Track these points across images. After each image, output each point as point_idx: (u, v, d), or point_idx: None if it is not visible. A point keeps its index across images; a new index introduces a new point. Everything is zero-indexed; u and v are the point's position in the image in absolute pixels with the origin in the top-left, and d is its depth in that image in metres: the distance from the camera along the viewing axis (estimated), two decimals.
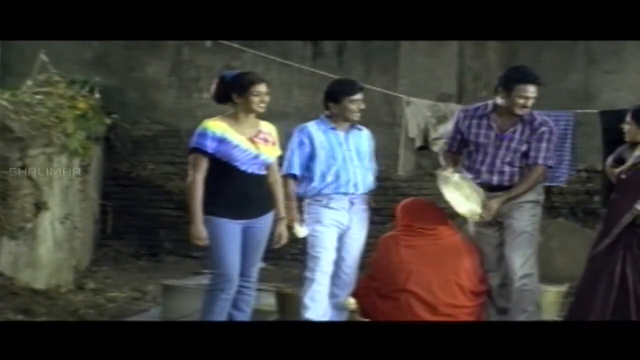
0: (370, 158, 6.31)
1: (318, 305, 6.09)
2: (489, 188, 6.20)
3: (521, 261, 6.18)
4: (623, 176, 6.08)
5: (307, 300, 6.10)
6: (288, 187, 6.11)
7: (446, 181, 6.20)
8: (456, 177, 6.20)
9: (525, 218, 6.24)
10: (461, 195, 6.16)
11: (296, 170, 6.13)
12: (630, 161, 6.08)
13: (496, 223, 6.29)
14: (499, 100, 6.25)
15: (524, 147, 6.21)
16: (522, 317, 6.16)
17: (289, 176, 6.13)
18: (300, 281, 6.25)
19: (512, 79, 6.18)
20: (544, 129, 6.22)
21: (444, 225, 6.45)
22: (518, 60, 8.66)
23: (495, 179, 6.23)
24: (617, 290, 5.89)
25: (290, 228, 6.05)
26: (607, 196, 6.42)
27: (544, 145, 6.21)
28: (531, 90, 6.15)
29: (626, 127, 6.15)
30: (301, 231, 6.10)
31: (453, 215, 6.45)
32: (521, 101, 6.14)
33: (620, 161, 6.19)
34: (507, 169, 6.23)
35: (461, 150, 6.40)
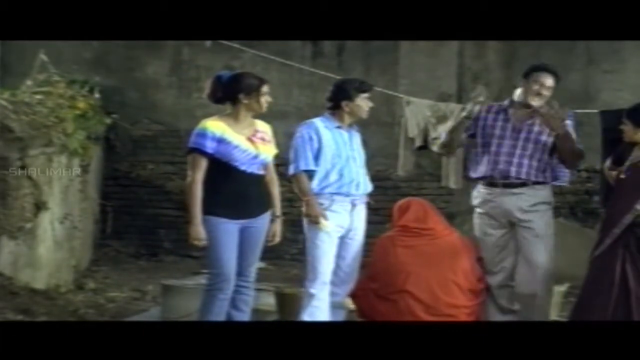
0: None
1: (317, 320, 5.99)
2: (507, 180, 6.20)
3: (543, 263, 6.23)
4: (622, 176, 6.07)
5: (306, 317, 6.00)
6: (303, 184, 6.00)
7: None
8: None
9: (544, 221, 6.28)
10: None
11: (312, 165, 6.02)
12: (628, 161, 6.07)
13: (507, 224, 6.27)
14: (516, 96, 6.34)
15: (544, 137, 6.21)
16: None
17: (303, 172, 6.01)
18: (300, 281, 6.22)
19: (531, 69, 6.32)
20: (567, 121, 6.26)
21: (440, 224, 6.44)
22: (518, 60, 8.66)
23: (513, 170, 6.21)
24: (618, 290, 5.88)
25: (316, 223, 5.97)
26: (606, 196, 6.40)
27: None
28: (545, 78, 6.23)
29: (623, 128, 6.15)
30: (327, 225, 5.98)
31: (450, 215, 6.44)
32: (535, 87, 6.20)
33: (618, 162, 6.18)
34: (526, 161, 6.21)
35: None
